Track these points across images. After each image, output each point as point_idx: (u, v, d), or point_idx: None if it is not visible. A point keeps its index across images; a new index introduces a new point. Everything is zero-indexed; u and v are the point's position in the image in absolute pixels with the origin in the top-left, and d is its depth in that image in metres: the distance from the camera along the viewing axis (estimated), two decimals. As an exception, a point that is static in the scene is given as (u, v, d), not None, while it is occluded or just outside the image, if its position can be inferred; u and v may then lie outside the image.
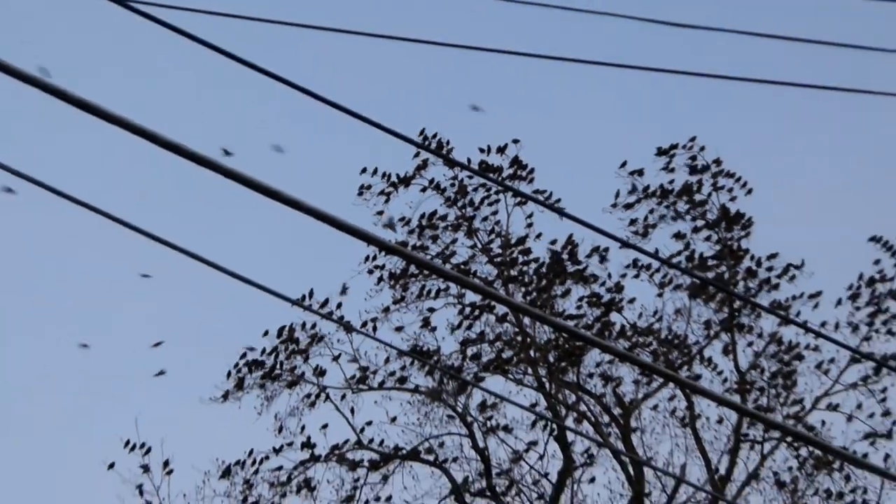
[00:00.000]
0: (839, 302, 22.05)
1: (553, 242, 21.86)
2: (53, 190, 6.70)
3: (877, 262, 22.10)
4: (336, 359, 21.58)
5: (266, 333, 21.46)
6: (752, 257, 21.86)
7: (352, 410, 21.63)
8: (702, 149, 21.77)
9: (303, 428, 21.72)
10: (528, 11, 9.22)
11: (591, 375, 21.93)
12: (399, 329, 21.68)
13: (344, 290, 21.82)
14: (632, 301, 21.88)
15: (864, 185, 30.28)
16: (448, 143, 21.72)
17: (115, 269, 26.81)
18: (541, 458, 22.02)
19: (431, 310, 21.79)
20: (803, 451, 21.83)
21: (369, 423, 21.67)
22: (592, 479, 22.06)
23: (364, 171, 21.74)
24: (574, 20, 9.21)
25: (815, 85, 8.89)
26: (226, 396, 21.59)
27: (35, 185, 6.74)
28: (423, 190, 21.81)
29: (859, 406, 21.79)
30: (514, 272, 21.80)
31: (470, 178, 21.72)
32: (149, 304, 27.61)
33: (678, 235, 21.79)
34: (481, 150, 21.65)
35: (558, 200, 21.53)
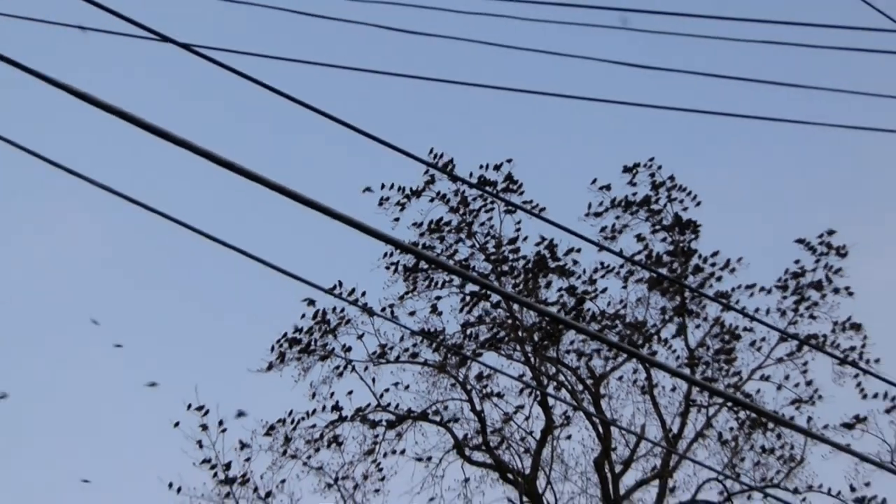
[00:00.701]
0: (770, 291, 22.80)
1: (538, 244, 22.58)
2: (126, 197, 7.00)
3: (797, 261, 22.83)
4: (360, 337, 22.30)
5: (303, 316, 22.18)
6: (699, 255, 22.68)
7: (373, 380, 22.41)
8: (659, 167, 22.66)
9: (332, 394, 22.42)
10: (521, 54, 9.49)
11: (568, 352, 22.74)
12: (412, 313, 22.41)
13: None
14: (603, 291, 22.67)
15: (792, 198, 30.68)
16: (452, 160, 22.18)
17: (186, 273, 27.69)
18: (527, 419, 22.71)
19: (438, 298, 22.53)
20: (741, 415, 22.65)
21: (387, 390, 22.44)
22: (569, 437, 22.85)
23: (383, 186, 22.35)
24: (558, 61, 9.40)
25: (748, 115, 9.41)
26: (269, 367, 22.24)
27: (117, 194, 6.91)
28: (432, 200, 22.50)
29: (787, 377, 22.75)
30: (505, 267, 22.58)
31: (471, 190, 22.37)
32: (205, 292, 28.59)
33: (639, 238, 22.54)
34: (481, 167, 22.37)
35: (543, 209, 21.97)
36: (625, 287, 22.87)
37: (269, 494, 22.37)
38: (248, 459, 22.23)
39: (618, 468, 22.74)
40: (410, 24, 9.03)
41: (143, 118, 6.50)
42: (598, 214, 22.75)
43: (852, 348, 22.88)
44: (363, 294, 22.13)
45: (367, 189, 21.71)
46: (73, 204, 28.03)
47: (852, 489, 22.64)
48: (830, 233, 23.00)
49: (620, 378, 23.08)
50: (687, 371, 22.47)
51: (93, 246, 31.32)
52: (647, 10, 9.50)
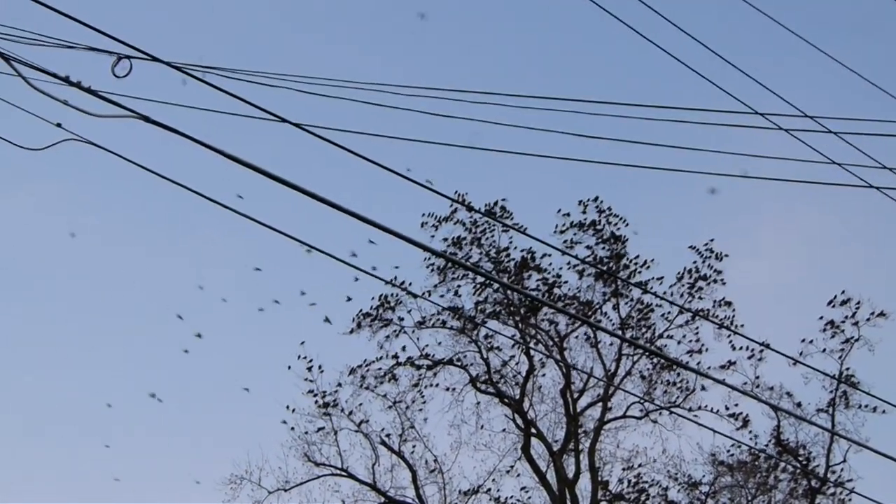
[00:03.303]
0: (674, 283, 23.74)
1: (522, 251, 23.44)
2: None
3: (694, 262, 23.76)
4: (409, 312, 23.42)
5: (373, 298, 23.39)
6: (627, 257, 23.53)
7: (417, 338, 23.49)
8: (601, 201, 23.54)
9: (391, 347, 23.48)
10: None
11: (542, 320, 23.66)
12: (441, 296, 23.38)
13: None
14: (565, 282, 23.68)
15: (689, 221, 31.30)
16: (466, 194, 22.85)
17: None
18: (517, 364, 23.84)
19: (459, 286, 23.54)
20: (655, 360, 23.42)
21: (427, 346, 23.57)
22: (543, 375, 24.02)
23: (423, 214, 23.26)
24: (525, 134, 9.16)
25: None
26: (352, 331, 23.31)
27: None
28: (454, 223, 23.41)
29: (684, 336, 23.82)
30: (502, 266, 23.36)
31: (481, 216, 23.06)
32: (313, 285, 28.31)
33: (588, 246, 23.50)
34: (486, 205, 23.19)
35: (525, 228, 22.92)
36: (579, 278, 23.69)
37: (350, 413, 23.41)
38: (337, 389, 23.35)
39: (575, 395, 23.69)
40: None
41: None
42: (562, 231, 23.47)
43: (726, 317, 23.68)
44: (410, 283, 23.13)
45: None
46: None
47: (726, 408, 23.68)
48: (711, 241, 23.85)
49: (577, 337, 23.93)
50: (619, 332, 23.34)
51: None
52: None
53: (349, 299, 22.13)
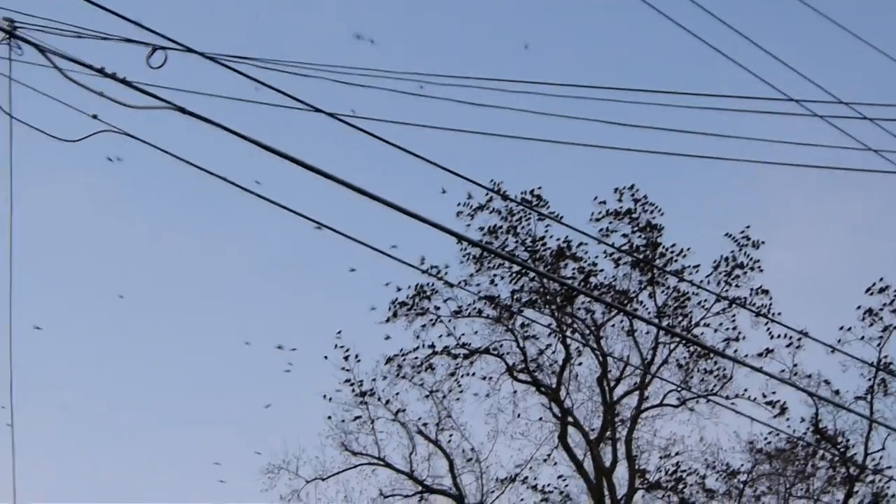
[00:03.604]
0: (711, 272, 23.75)
1: (558, 240, 23.33)
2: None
3: (731, 251, 23.74)
4: (444, 301, 23.37)
5: (410, 287, 23.28)
6: (663, 246, 23.54)
7: (454, 327, 23.43)
8: (637, 190, 23.54)
9: (428, 337, 23.44)
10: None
11: (579, 309, 23.73)
12: (478, 285, 23.30)
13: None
14: (602, 270, 23.58)
15: (726, 206, 31.53)
16: (501, 183, 22.75)
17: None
18: (553, 352, 23.82)
19: (495, 275, 23.39)
20: (691, 348, 23.48)
21: (463, 335, 23.49)
22: (580, 363, 23.96)
23: (459, 203, 23.15)
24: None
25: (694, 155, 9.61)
26: (388, 320, 23.22)
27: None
28: (491, 212, 23.36)
29: (721, 324, 23.72)
30: (538, 255, 23.31)
31: (516, 205, 22.96)
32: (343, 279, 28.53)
33: (624, 235, 23.46)
34: (522, 193, 23.18)
35: (561, 217, 23.22)
36: (615, 267, 23.65)
37: (387, 402, 23.49)
38: (374, 379, 23.46)
39: (612, 383, 23.73)
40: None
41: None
42: (597, 220, 23.51)
43: (763, 305, 23.61)
44: (447, 273, 22.95)
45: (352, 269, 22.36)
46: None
47: (764, 396, 23.59)
48: (747, 228, 23.79)
49: (613, 325, 23.90)
50: (656, 320, 23.32)
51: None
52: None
53: (353, 269, 22.08)
